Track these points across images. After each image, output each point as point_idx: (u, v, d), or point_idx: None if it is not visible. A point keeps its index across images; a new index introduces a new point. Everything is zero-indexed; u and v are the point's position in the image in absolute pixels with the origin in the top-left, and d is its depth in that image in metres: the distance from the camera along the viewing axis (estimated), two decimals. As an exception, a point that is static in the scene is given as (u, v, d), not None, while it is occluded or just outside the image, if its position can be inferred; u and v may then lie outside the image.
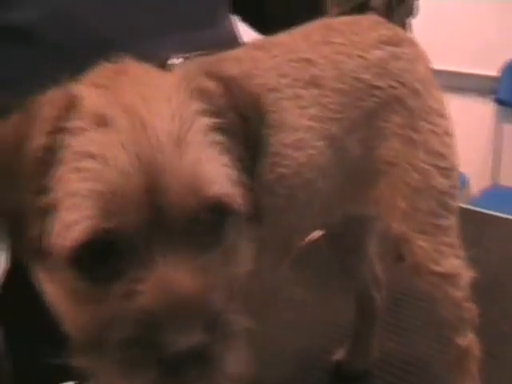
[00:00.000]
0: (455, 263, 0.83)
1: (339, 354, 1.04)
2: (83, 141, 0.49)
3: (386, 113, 0.78)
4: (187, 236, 0.48)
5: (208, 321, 0.46)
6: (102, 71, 0.55)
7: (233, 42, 1.04)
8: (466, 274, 0.85)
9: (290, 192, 0.70)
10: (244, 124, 0.54)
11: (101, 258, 0.47)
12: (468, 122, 2.98)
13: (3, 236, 0.53)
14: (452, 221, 0.83)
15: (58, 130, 0.49)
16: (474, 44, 2.93)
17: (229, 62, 0.68)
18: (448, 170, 0.81)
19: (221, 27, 1.03)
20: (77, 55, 0.79)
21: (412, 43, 0.82)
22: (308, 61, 0.72)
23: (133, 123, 0.49)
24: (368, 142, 0.77)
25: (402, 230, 0.80)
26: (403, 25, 0.96)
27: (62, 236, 0.48)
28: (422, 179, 0.79)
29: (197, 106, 0.51)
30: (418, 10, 1.01)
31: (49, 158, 0.49)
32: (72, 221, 0.47)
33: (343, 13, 0.95)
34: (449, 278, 0.83)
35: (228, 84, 0.55)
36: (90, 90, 0.52)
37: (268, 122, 0.58)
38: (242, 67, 0.68)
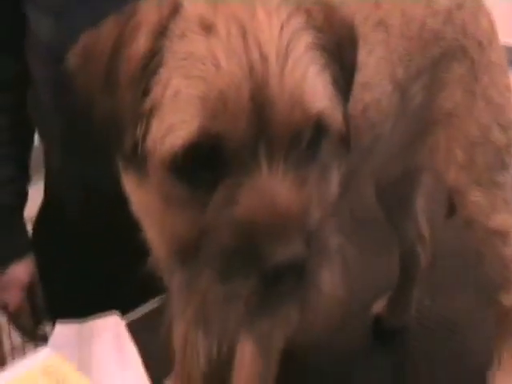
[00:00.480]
0: (508, 220, 0.86)
1: (378, 308, 1.08)
2: (188, 44, 0.49)
3: (449, 62, 0.81)
4: (290, 150, 0.49)
5: (307, 235, 0.47)
6: None
7: None
8: None
9: (354, 133, 0.70)
10: (339, 47, 0.55)
11: (204, 163, 0.48)
12: None
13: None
14: (507, 177, 0.86)
15: (162, 33, 0.50)
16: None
17: None
18: (506, 126, 0.84)
19: None
20: None
21: None
22: (376, 4, 0.74)
23: (239, 32, 0.49)
24: (430, 91, 0.80)
25: (457, 182, 0.84)
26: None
27: (163, 140, 0.48)
28: (480, 132, 0.83)
29: (301, 21, 0.52)
30: None
31: (152, 62, 0.49)
32: (177, 123, 0.48)
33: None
34: (500, 234, 0.87)
35: (328, 9, 0.56)
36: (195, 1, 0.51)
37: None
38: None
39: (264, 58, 0.48)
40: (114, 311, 0.96)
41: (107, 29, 0.52)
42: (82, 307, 0.95)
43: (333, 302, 0.50)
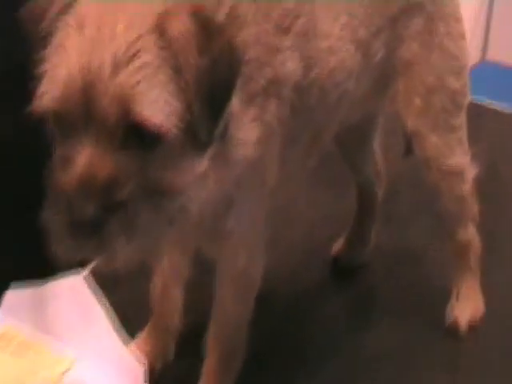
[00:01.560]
0: (463, 159, 1.14)
1: (337, 245, 1.35)
2: (66, 34, 0.75)
3: (407, 17, 1.06)
4: (113, 136, 0.73)
5: (107, 202, 0.73)
6: None
7: None
8: (472, 170, 1.15)
9: (323, 93, 0.96)
10: (213, 68, 0.75)
11: (61, 126, 0.76)
12: None
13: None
14: (462, 118, 1.13)
15: (58, 18, 0.76)
16: None
17: None
18: (460, 71, 1.10)
19: None
20: None
21: None
22: None
23: (95, 36, 0.73)
24: (390, 45, 1.04)
25: (416, 126, 1.10)
26: None
27: (39, 99, 0.75)
28: (437, 80, 1.08)
29: (152, 41, 0.74)
30: None
31: (49, 35, 0.76)
32: (42, 92, 0.75)
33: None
34: (456, 173, 1.14)
35: (209, 27, 0.76)
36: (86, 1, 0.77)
37: (240, 73, 0.80)
38: None
39: (101, 63, 0.72)
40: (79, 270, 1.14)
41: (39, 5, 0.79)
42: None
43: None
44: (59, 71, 0.74)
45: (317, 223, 1.43)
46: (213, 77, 0.76)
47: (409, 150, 1.16)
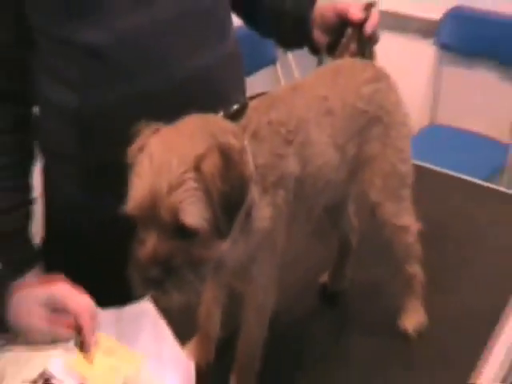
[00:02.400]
0: (409, 219, 1.35)
1: (324, 278, 1.55)
2: (141, 166, 0.96)
3: (370, 126, 1.25)
4: (168, 232, 0.95)
5: (166, 269, 0.95)
6: (178, 125, 1.01)
7: (237, 47, 1.47)
8: (415, 226, 1.37)
9: (313, 182, 1.17)
10: (230, 191, 0.94)
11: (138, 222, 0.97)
12: (409, 62, 3.34)
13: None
14: (407, 192, 1.34)
15: (137, 153, 0.99)
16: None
17: (277, 102, 1.15)
18: (406, 160, 1.32)
19: (231, 36, 1.44)
20: (135, 71, 1.27)
21: (387, 78, 1.31)
22: (325, 97, 1.20)
23: (159, 170, 0.94)
24: (360, 146, 1.25)
25: (376, 198, 1.30)
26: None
27: (127, 205, 0.97)
28: (390, 167, 1.28)
29: (192, 175, 0.94)
30: (379, 37, 1.42)
31: (133, 163, 0.98)
32: (129, 199, 0.96)
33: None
34: (403, 228, 1.35)
35: (229, 163, 0.95)
36: (156, 139, 0.98)
37: (248, 189, 1.01)
38: (286, 106, 1.15)
39: (161, 187, 0.92)
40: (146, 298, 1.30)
41: (135, 134, 1.01)
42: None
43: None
44: (136, 191, 0.95)
45: (309, 264, 1.60)
46: (230, 196, 0.96)
47: (373, 213, 1.34)
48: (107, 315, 1.34)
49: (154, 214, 0.94)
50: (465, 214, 1.81)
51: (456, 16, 3.31)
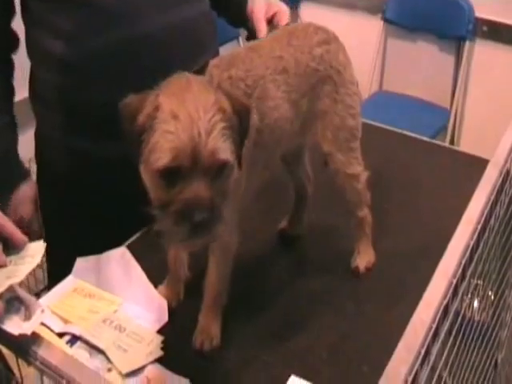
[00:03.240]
0: (358, 168, 1.34)
1: (283, 224, 1.52)
2: (166, 125, 0.93)
3: (322, 84, 1.24)
4: (209, 174, 0.94)
5: (212, 209, 0.93)
6: (173, 85, 0.98)
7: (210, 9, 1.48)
8: (364, 174, 1.35)
9: (271, 132, 1.17)
10: (240, 123, 0.98)
11: (170, 174, 0.93)
12: (359, 36, 3.36)
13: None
14: (357, 144, 1.33)
15: (151, 118, 0.94)
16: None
17: (237, 61, 1.14)
18: (355, 115, 1.30)
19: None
20: (123, 18, 1.27)
21: (337, 40, 1.28)
22: (280, 57, 1.18)
23: (189, 120, 0.92)
24: (312, 101, 1.24)
25: (328, 150, 1.30)
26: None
27: (153, 163, 0.94)
28: (340, 121, 1.28)
29: (219, 116, 0.95)
30: None
31: (147, 129, 0.94)
32: (159, 157, 0.93)
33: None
34: (354, 176, 1.33)
35: (235, 102, 0.99)
36: (167, 99, 0.95)
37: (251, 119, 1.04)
38: (245, 65, 1.14)
39: (198, 133, 0.92)
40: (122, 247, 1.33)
41: (133, 102, 0.97)
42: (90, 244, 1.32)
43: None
44: (172, 143, 0.92)
45: (268, 211, 1.59)
46: (241, 126, 1.00)
47: (325, 163, 1.34)
48: (87, 263, 1.34)
49: (196, 160, 0.93)
50: (410, 165, 1.81)
51: None
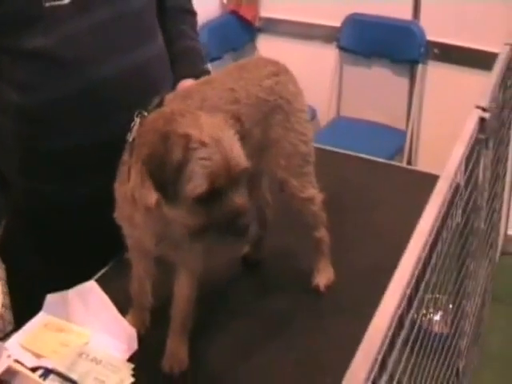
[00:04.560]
0: (313, 191, 1.40)
1: (245, 249, 1.55)
2: (198, 153, 1.01)
3: (273, 113, 1.31)
4: (241, 183, 1.04)
5: (249, 216, 1.03)
6: (184, 119, 1.06)
7: (164, 50, 1.54)
8: (319, 197, 1.41)
9: None
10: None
11: (208, 198, 1.02)
12: (316, 65, 3.50)
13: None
14: (310, 168, 1.39)
15: (186, 149, 1.02)
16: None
17: (191, 93, 1.22)
18: (307, 142, 1.37)
19: (159, 36, 1.52)
20: (76, 67, 1.33)
21: (286, 72, 1.36)
22: (232, 89, 1.25)
23: (215, 142, 1.02)
24: (264, 130, 1.30)
25: (282, 176, 1.35)
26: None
27: (192, 191, 1.01)
28: (292, 148, 1.34)
29: (233, 130, 1.07)
30: None
31: (183, 162, 1.01)
32: (197, 184, 1.01)
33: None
34: (309, 200, 1.39)
35: (233, 116, 1.11)
36: (191, 129, 1.03)
37: None
38: (199, 95, 1.22)
39: (226, 152, 1.02)
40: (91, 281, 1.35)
41: (158, 148, 1.03)
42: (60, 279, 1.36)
43: None
44: (206, 170, 1.01)
45: None
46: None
47: (281, 189, 1.40)
48: (57, 298, 1.37)
49: (229, 175, 1.03)
50: (367, 186, 1.87)
51: (353, 22, 3.45)
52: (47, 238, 1.49)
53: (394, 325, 1.05)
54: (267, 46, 3.80)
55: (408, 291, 1.19)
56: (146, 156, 1.04)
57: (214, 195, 1.02)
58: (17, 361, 1.21)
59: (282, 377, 1.24)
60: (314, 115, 3.59)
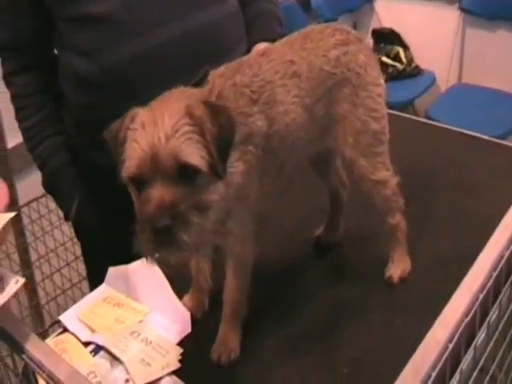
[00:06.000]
0: (385, 174, 1.28)
1: (318, 231, 1.49)
2: (134, 134, 0.95)
3: (339, 87, 1.20)
4: (170, 178, 0.93)
5: (175, 215, 0.91)
6: (158, 98, 1.01)
7: (237, 7, 1.46)
8: (393, 180, 1.29)
9: (281, 138, 1.14)
10: (219, 131, 0.96)
11: (138, 183, 0.95)
12: (436, 28, 3.36)
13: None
14: (383, 148, 1.27)
15: (127, 128, 0.97)
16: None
17: (244, 67, 1.12)
18: (379, 118, 1.25)
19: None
20: (141, 30, 1.30)
21: (357, 41, 1.23)
22: (291, 61, 1.15)
23: (152, 127, 0.94)
24: (329, 106, 1.20)
25: (350, 156, 1.25)
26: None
27: (124, 173, 0.95)
28: (361, 125, 1.23)
29: (185, 121, 0.95)
30: None
31: (123, 141, 0.97)
32: (127, 167, 0.95)
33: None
34: (381, 182, 1.28)
35: (215, 109, 0.98)
36: (141, 111, 0.98)
37: (236, 132, 1.02)
38: (252, 70, 1.12)
39: (158, 138, 0.93)
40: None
41: (115, 124, 1.00)
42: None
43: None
44: (135, 152, 0.94)
45: (304, 217, 1.57)
46: (221, 136, 0.97)
47: (350, 169, 1.29)
48: (118, 272, 1.37)
49: (156, 165, 0.93)
50: (469, 166, 1.73)
51: None
52: (112, 214, 1.44)
53: (458, 335, 0.94)
54: (385, 7, 3.66)
55: (481, 296, 1.06)
56: (105, 131, 1.02)
57: (142, 183, 0.95)
58: (72, 332, 1.23)
59: (335, 378, 1.15)
60: (432, 81, 3.39)
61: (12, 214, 1.01)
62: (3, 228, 0.96)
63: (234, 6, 1.45)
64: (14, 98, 1.49)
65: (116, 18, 1.29)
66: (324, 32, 1.22)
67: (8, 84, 1.49)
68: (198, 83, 1.08)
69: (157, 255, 0.95)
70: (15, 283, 0.92)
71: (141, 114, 0.97)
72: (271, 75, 1.13)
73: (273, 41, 1.31)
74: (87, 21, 1.31)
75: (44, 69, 1.48)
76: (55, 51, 1.47)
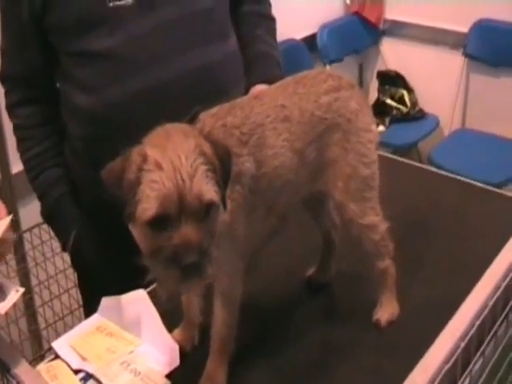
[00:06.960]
0: (374, 218, 1.30)
1: (310, 272, 1.50)
2: (151, 175, 0.95)
3: (330, 132, 1.23)
4: (195, 216, 0.95)
5: (201, 251, 0.94)
6: (154, 137, 1.01)
7: (237, 47, 1.50)
8: (383, 225, 1.31)
9: (269, 180, 1.16)
10: (222, 167, 1.00)
11: (158, 223, 0.95)
12: (440, 71, 3.37)
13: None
14: (373, 193, 1.29)
15: (140, 170, 0.96)
16: (448, 2, 3.31)
17: (236, 109, 1.15)
18: (369, 164, 1.27)
19: (231, 37, 1.49)
20: (142, 67, 1.33)
21: (349, 87, 1.26)
22: (283, 106, 1.18)
23: (172, 168, 0.95)
24: (320, 149, 1.22)
25: (340, 199, 1.27)
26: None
27: (141, 213, 0.95)
28: (352, 170, 1.25)
29: (201, 160, 0.97)
30: None
31: (136, 182, 0.96)
32: (146, 208, 0.95)
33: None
34: (370, 227, 1.30)
35: (216, 145, 1.01)
36: (152, 150, 0.97)
37: (233, 165, 1.05)
38: (244, 112, 1.15)
39: (182, 179, 0.94)
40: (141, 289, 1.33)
41: (119, 161, 1.00)
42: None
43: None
44: (157, 193, 0.94)
45: (296, 257, 1.57)
46: (223, 169, 1.01)
47: (340, 212, 1.32)
48: (110, 302, 1.38)
49: (182, 205, 0.95)
50: (465, 213, 1.76)
51: (481, 28, 3.28)
52: (110, 245, 1.50)
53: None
54: (391, 50, 3.71)
55: (462, 344, 1.08)
56: (104, 171, 1.01)
57: (165, 223, 0.96)
58: (63, 359, 1.25)
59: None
60: (436, 125, 3.42)
61: (8, 218, 1.03)
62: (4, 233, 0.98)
63: (234, 47, 1.50)
64: (17, 129, 1.53)
65: (119, 55, 1.33)
66: (317, 77, 1.25)
67: (11, 115, 1.53)
68: (189, 122, 1.11)
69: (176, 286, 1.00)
70: (15, 292, 0.94)
71: (152, 154, 0.97)
72: (262, 118, 1.16)
73: (271, 83, 1.35)
74: (91, 57, 1.35)
75: (48, 102, 1.51)
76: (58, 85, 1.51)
